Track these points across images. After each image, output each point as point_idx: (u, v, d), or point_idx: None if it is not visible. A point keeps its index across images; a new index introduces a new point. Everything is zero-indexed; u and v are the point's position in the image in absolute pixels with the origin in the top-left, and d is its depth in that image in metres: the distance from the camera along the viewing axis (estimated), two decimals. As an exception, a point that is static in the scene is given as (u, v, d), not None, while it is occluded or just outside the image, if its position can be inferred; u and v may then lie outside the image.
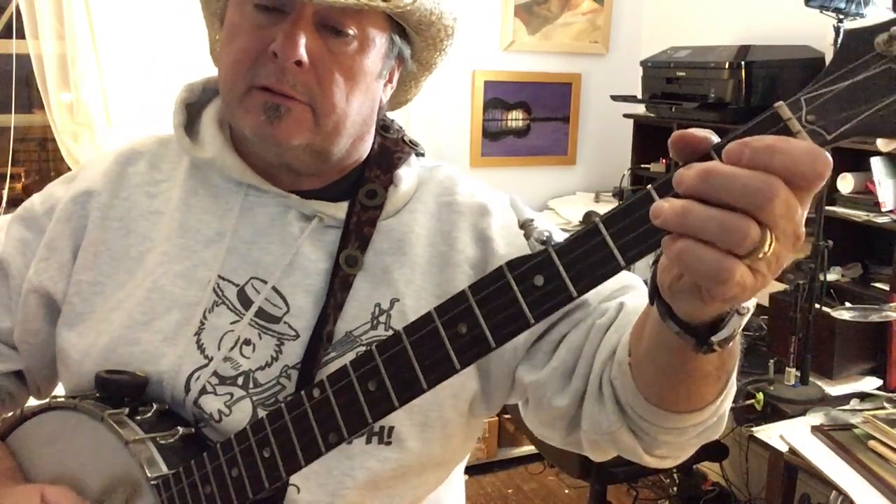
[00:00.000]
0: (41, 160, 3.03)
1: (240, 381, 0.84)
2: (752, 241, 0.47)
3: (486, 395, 0.88)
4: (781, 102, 0.50)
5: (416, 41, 0.90)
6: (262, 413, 0.82)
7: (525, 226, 0.58)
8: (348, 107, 0.83)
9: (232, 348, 0.84)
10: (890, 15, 2.06)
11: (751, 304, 0.57)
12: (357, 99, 0.83)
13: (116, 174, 0.93)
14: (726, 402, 0.73)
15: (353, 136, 0.87)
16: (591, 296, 0.83)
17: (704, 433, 0.75)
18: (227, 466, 0.73)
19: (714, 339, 0.56)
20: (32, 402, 0.98)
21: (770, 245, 0.48)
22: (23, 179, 2.95)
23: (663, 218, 0.49)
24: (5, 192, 2.72)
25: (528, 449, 3.31)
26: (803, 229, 0.50)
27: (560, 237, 0.58)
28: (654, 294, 0.58)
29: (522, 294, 0.56)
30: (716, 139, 0.52)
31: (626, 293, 0.84)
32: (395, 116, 1.01)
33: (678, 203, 0.49)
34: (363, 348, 0.83)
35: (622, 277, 0.86)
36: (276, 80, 0.79)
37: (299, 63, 0.78)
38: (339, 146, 0.86)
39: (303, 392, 0.68)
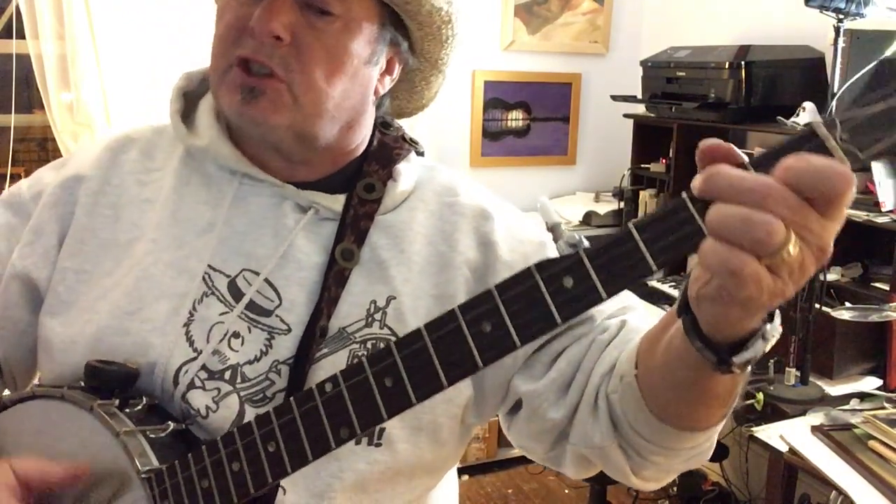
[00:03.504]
0: (41, 160, 3.03)
1: (227, 375, 0.81)
2: (778, 239, 0.48)
3: (480, 403, 0.87)
4: (819, 120, 0.51)
5: (412, 30, 0.88)
6: (249, 409, 0.81)
7: (554, 229, 0.58)
8: (329, 87, 0.81)
9: (220, 341, 0.82)
10: (891, 15, 2.06)
11: (776, 331, 0.58)
12: (340, 81, 0.82)
13: (108, 160, 0.92)
14: (718, 430, 0.74)
15: (341, 122, 0.85)
16: (596, 312, 0.84)
17: (692, 459, 0.76)
18: (227, 460, 0.71)
19: (735, 359, 0.57)
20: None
21: (794, 246, 0.49)
22: (23, 179, 2.95)
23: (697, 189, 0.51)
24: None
25: (528, 449, 3.31)
26: (831, 246, 0.50)
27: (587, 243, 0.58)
28: (683, 307, 0.59)
29: (551, 295, 0.55)
30: (745, 158, 0.52)
31: (629, 312, 0.85)
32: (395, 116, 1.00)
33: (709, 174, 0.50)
34: (356, 345, 0.82)
35: (625, 298, 0.86)
36: (252, 51, 0.79)
37: (279, 38, 0.78)
38: (323, 129, 0.84)
39: (314, 386, 0.67)
